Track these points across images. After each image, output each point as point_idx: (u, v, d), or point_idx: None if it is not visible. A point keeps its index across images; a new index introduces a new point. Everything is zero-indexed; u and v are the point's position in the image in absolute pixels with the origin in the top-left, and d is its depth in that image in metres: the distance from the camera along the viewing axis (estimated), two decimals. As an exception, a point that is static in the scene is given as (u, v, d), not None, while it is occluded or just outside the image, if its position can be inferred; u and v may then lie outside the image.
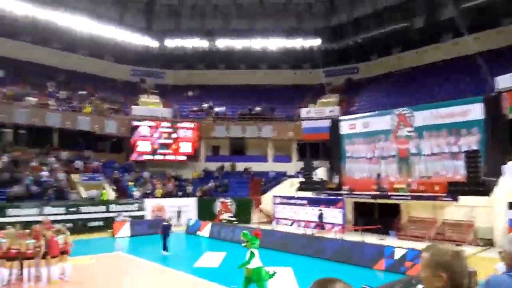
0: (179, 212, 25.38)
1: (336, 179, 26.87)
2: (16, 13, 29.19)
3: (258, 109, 34.04)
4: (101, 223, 22.67)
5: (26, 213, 19.96)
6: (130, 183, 26.84)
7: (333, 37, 36.72)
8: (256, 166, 32.25)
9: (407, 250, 13.27)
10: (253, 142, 33.82)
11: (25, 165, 24.16)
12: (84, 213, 22.33)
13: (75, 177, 25.52)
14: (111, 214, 22.98)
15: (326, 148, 30.71)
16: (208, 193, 28.48)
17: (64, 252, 11.82)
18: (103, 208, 23.22)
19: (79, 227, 21.55)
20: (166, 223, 17.33)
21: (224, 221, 24.31)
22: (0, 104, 25.76)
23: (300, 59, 38.43)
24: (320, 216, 21.41)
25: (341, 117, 28.70)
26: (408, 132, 23.40)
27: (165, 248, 16.69)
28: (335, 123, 28.42)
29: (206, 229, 22.04)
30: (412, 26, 32.12)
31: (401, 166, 23.63)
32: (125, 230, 21.60)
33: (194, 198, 27.41)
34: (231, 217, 25.60)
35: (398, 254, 13.35)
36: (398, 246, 14.09)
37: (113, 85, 36.38)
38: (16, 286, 10.89)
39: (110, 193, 25.39)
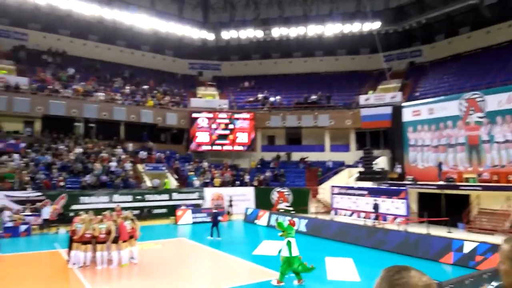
0: (230, 201, 25.87)
1: (398, 169, 25.68)
2: (84, 14, 31.33)
3: (314, 97, 33.45)
4: (164, 210, 23.82)
5: (97, 200, 21.56)
6: (190, 173, 27.86)
7: (394, 19, 34.80)
8: (312, 156, 31.83)
9: (478, 243, 12.36)
10: (309, 131, 33.36)
11: (96, 156, 26.03)
12: (149, 201, 23.62)
13: (140, 167, 27.04)
14: (173, 202, 24.06)
15: (387, 136, 29.45)
16: (264, 183, 28.70)
17: (132, 237, 12.58)
18: (166, 196, 24.37)
19: (145, 214, 22.86)
20: (215, 211, 18.26)
21: (281, 211, 24.39)
22: (73, 100, 27.94)
23: (358, 44, 37.05)
24: (376, 207, 20.67)
25: (404, 104, 27.24)
26: (479, 117, 21.62)
27: (212, 234, 17.22)
28: (397, 110, 27.06)
29: (264, 218, 22.26)
30: (482, 3, 29.43)
31: (470, 154, 21.96)
32: (187, 218, 22.52)
33: (251, 187, 27.78)
34: (288, 206, 25.61)
35: (467, 247, 12.48)
36: (468, 239, 13.17)
37: (173, 79, 37.81)
38: (90, 268, 11.79)
39: (172, 182, 26.57)
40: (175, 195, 24.71)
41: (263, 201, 26.42)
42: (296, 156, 32.56)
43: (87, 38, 35.05)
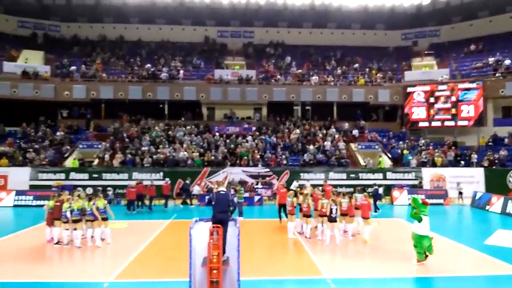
0: (458, 183, 22.91)
1: None
2: (297, 4, 33.69)
3: None
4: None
5: (315, 177, 23.24)
6: (405, 152, 26.36)
7: None
8: None
9: None
10: None
11: (312, 137, 28.01)
12: (363, 179, 23.76)
13: (353, 146, 27.48)
14: (388, 182, 23.42)
15: None
16: (498, 163, 24.30)
17: (346, 214, 13.13)
18: (380, 175, 23.96)
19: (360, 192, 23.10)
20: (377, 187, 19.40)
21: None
22: (291, 86, 30.77)
23: None
24: None
25: None
26: None
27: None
28: None
29: (497, 204, 18.99)
30: None
31: None
32: (403, 198, 21.61)
33: (480, 168, 24.05)
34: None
35: None
36: None
37: (384, 54, 36.29)
38: (311, 240, 12.96)
39: (386, 161, 25.87)
40: (389, 175, 24.00)
41: (495, 185, 22.50)
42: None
43: (302, 26, 37.62)
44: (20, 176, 22.55)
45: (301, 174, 23.66)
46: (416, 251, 10.15)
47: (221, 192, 7.99)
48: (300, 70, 32.49)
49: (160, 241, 13.03)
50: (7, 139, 26.36)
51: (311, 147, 26.41)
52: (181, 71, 31.39)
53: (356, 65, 33.60)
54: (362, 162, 25.82)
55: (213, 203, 7.74)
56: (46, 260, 10.98)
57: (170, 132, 27.98)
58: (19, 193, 20.89)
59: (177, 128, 28.49)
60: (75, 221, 11.90)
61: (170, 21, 37.13)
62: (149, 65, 31.76)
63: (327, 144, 26.92)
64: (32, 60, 31.07)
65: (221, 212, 7.57)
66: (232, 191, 16.47)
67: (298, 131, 28.53)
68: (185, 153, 24.92)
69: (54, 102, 29.58)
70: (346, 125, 29.78)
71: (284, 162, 24.98)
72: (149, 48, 35.41)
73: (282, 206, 15.40)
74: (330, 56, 35.43)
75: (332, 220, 12.46)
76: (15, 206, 20.39)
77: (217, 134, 27.96)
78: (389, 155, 26.69)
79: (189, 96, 29.99)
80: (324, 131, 28.89)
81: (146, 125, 28.82)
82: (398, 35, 37.37)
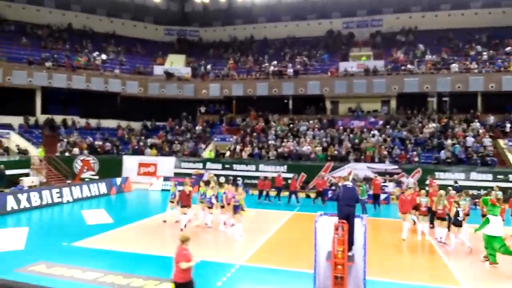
0: None
1: None
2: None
3: None
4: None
5: (453, 177, 20.80)
6: None
7: None
8: None
9: None
10: None
11: (450, 131, 25.20)
12: (513, 181, 20.42)
13: (501, 142, 23.82)
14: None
15: None
16: None
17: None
18: (537, 177, 20.26)
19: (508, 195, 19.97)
20: None
21: None
22: (425, 76, 28.18)
23: None
24: None
25: None
26: None
27: None
28: None
29: None
30: None
31: None
32: None
33: None
34: None
35: None
36: None
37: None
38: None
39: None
40: (550, 177, 20.12)
41: None
42: None
43: (439, 9, 34.11)
44: (167, 165, 25.97)
45: (436, 173, 21.50)
46: (488, 253, 9.75)
47: (348, 186, 7.87)
48: (435, 57, 29.50)
49: (284, 231, 13.48)
50: (158, 132, 30.60)
51: (449, 142, 23.81)
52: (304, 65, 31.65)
53: (508, 49, 28.86)
54: (513, 161, 22.23)
55: (340, 195, 7.65)
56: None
57: (292, 126, 28.57)
58: (165, 179, 24.02)
59: (301, 122, 28.92)
60: (210, 208, 13.39)
61: (295, 17, 37.79)
62: (275, 62, 32.95)
63: (469, 140, 23.86)
64: (176, 63, 35.18)
65: (348, 205, 7.45)
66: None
67: (433, 125, 26.04)
68: (309, 147, 25.16)
69: (194, 100, 33.09)
70: (492, 119, 25.93)
71: (416, 159, 23.12)
72: (276, 45, 36.63)
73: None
74: (473, 40, 31.26)
75: (457, 224, 11.31)
76: (162, 190, 23.48)
77: (341, 128, 27.45)
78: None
79: (313, 91, 30.10)
80: (465, 125, 25.71)
81: (272, 120, 29.98)
82: None
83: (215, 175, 22.67)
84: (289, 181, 20.27)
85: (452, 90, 27.59)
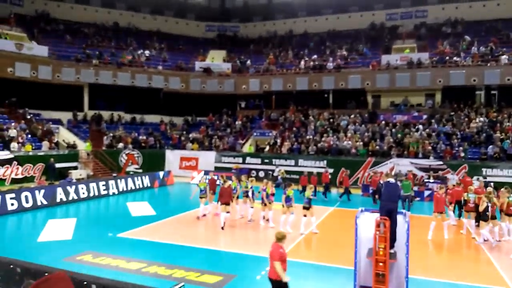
0: None
1: None
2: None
3: None
4: None
5: (501, 173, 19.93)
6: None
7: None
8: None
9: None
10: None
11: (499, 126, 23.96)
12: None
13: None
14: None
15: None
16: None
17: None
18: None
19: None
20: None
21: None
22: (472, 68, 26.89)
23: None
24: None
25: None
26: None
27: None
28: None
29: None
30: None
31: None
32: None
33: None
34: None
35: None
36: None
37: None
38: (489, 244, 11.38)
39: None
40: None
41: None
42: None
43: None
44: (208, 159, 26.65)
45: (483, 169, 20.61)
46: None
47: (390, 182, 7.87)
48: (483, 49, 28.03)
49: (324, 227, 13.53)
50: (199, 127, 31.38)
51: (497, 137, 22.66)
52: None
53: None
54: None
55: (382, 191, 7.68)
56: (225, 231, 12.72)
57: (333, 120, 28.29)
58: (206, 173, 24.62)
59: (341, 117, 28.58)
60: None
61: (336, 10, 37.20)
62: (315, 56, 32.67)
63: (520, 134, 22.63)
64: (217, 58, 35.79)
65: (390, 201, 7.45)
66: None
67: (481, 119, 24.87)
68: (349, 142, 24.86)
69: (234, 95, 33.59)
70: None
71: (462, 154, 22.23)
72: (316, 39, 36.26)
73: (458, 203, 14.01)
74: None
75: (484, 219, 11.22)
76: (203, 183, 24.14)
77: (382, 122, 26.86)
78: None
79: (354, 85, 29.61)
80: (516, 120, 24.35)
81: (311, 114, 29.84)
82: None
83: (255, 169, 23.00)
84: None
85: (501, 83, 26.18)
